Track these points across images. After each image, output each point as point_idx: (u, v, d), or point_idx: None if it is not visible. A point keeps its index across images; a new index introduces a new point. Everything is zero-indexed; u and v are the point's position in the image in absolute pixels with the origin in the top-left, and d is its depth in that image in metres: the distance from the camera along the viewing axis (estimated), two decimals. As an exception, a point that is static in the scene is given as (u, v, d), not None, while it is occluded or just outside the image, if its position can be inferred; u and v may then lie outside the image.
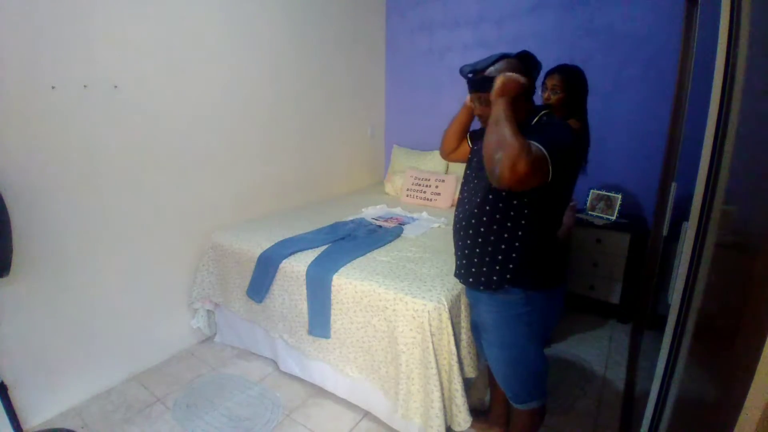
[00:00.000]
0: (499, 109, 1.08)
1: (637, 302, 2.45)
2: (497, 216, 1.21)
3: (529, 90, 1.17)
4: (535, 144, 1.03)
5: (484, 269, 1.26)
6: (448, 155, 1.58)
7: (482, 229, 1.24)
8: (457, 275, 1.39)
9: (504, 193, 1.19)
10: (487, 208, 1.23)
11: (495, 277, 1.24)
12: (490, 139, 1.05)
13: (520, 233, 1.20)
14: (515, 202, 1.19)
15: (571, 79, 1.77)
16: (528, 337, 1.31)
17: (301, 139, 2.94)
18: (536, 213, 1.19)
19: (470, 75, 1.21)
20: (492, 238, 1.23)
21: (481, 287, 1.28)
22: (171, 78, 2.08)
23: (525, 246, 1.21)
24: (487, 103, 1.17)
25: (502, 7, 2.95)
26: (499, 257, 1.23)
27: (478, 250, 1.26)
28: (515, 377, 1.38)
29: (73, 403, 1.92)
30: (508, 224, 1.21)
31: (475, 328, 1.51)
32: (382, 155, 3.86)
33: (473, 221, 1.26)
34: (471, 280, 1.30)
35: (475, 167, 1.33)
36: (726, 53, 0.82)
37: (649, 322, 1.93)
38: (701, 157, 0.88)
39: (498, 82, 1.11)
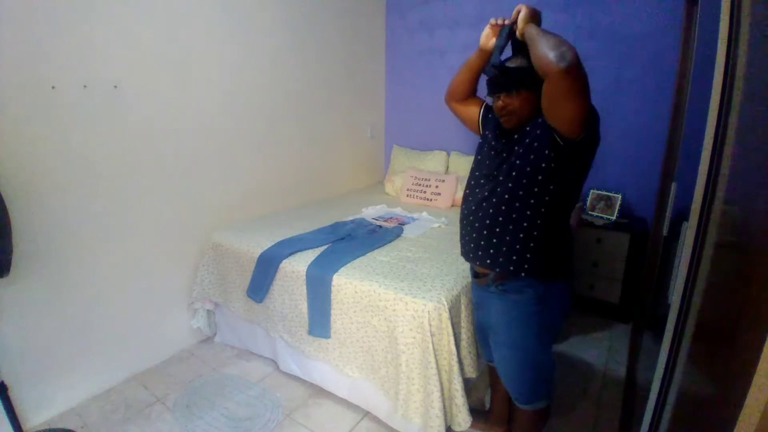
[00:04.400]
0: (536, 28, 1.09)
1: (637, 302, 2.45)
2: (517, 204, 1.20)
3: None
4: None
5: (504, 249, 1.23)
6: (452, 102, 1.53)
7: (502, 215, 1.22)
8: (470, 258, 1.34)
9: (525, 180, 1.18)
10: (506, 196, 1.21)
11: (515, 257, 1.22)
12: (544, 41, 1.03)
13: (539, 221, 1.19)
14: (536, 189, 1.17)
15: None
16: (538, 336, 1.31)
17: (301, 138, 2.94)
18: (555, 202, 1.18)
19: (496, 72, 1.20)
20: (511, 226, 1.21)
21: (498, 269, 1.26)
22: (171, 78, 2.08)
23: (542, 235, 1.20)
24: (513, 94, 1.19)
25: (502, 7, 2.95)
26: (517, 246, 1.21)
27: (498, 230, 1.23)
28: (524, 378, 1.37)
29: (73, 403, 1.92)
30: (528, 212, 1.19)
31: (481, 329, 1.51)
32: (382, 155, 3.86)
33: (494, 202, 1.24)
34: (489, 261, 1.27)
35: (488, 153, 1.31)
36: (726, 53, 0.82)
37: (649, 322, 1.92)
38: (701, 157, 0.88)
39: (522, 12, 1.13)
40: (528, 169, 1.17)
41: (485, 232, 1.26)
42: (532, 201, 1.18)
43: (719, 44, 0.83)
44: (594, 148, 1.16)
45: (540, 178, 1.16)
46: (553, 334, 1.40)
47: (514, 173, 1.20)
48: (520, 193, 1.19)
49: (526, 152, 1.18)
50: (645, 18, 2.51)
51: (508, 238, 1.22)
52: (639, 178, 2.68)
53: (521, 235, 1.20)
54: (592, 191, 2.72)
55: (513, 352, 1.35)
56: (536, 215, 1.19)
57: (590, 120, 1.08)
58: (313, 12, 2.83)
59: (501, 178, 1.23)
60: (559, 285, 1.30)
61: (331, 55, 3.06)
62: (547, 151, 1.14)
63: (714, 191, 0.84)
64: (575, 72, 0.99)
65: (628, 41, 2.57)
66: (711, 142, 0.85)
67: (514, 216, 1.20)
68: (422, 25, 3.37)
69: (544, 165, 1.15)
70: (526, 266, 1.22)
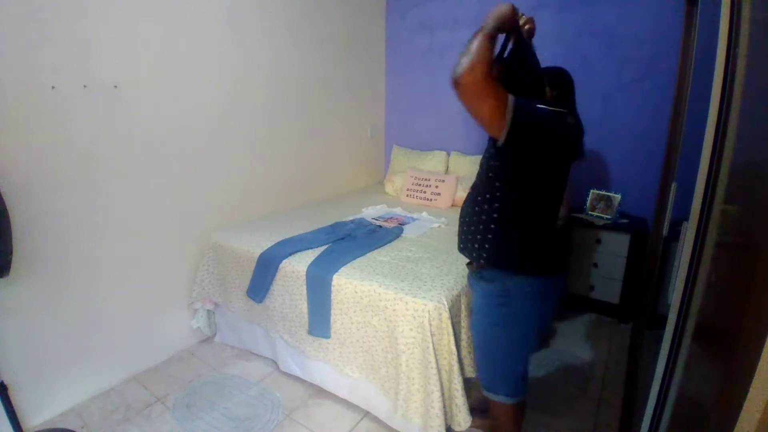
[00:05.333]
0: (483, 29, 1.14)
1: (637, 302, 2.45)
2: (478, 198, 1.30)
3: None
4: (509, 95, 1.09)
5: (470, 244, 1.35)
6: None
7: (470, 207, 1.34)
8: (458, 242, 1.46)
9: (483, 177, 1.28)
10: (473, 190, 1.34)
11: (476, 245, 1.32)
12: (465, 48, 1.09)
13: (495, 215, 1.26)
14: (488, 186, 1.27)
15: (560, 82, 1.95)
16: (500, 329, 1.35)
17: (301, 139, 2.94)
18: (509, 201, 1.24)
19: None
20: (475, 218, 1.31)
21: (465, 253, 1.38)
22: (171, 78, 2.08)
23: (500, 230, 1.26)
24: None
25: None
26: (479, 236, 1.31)
27: (467, 219, 1.36)
28: (483, 363, 1.46)
29: (73, 403, 1.92)
30: (485, 206, 1.28)
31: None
32: (382, 155, 3.86)
33: (469, 194, 1.37)
34: (461, 246, 1.40)
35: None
36: (726, 53, 0.82)
37: (649, 322, 1.93)
38: (701, 157, 0.88)
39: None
40: (484, 166, 1.29)
41: (460, 221, 1.40)
42: (488, 196, 1.27)
43: (719, 44, 0.84)
44: (533, 156, 1.19)
45: (490, 175, 1.26)
46: (532, 335, 1.38)
47: (480, 170, 1.32)
48: (481, 188, 1.30)
49: (486, 151, 1.30)
50: (645, 18, 2.50)
51: (473, 228, 1.33)
52: (639, 178, 2.68)
53: (481, 227, 1.30)
54: (592, 191, 2.71)
55: (476, 334, 1.44)
56: (491, 210, 1.26)
57: (511, 128, 1.09)
58: (313, 12, 2.83)
59: (479, 173, 1.35)
60: (535, 283, 1.29)
61: (331, 55, 3.05)
62: (493, 150, 1.23)
63: (714, 191, 0.84)
64: (461, 85, 1.06)
65: (628, 41, 2.57)
66: (711, 142, 0.85)
67: (476, 209, 1.31)
68: (422, 25, 3.37)
69: (492, 163, 1.25)
70: (484, 255, 1.30)
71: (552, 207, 1.30)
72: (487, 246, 1.29)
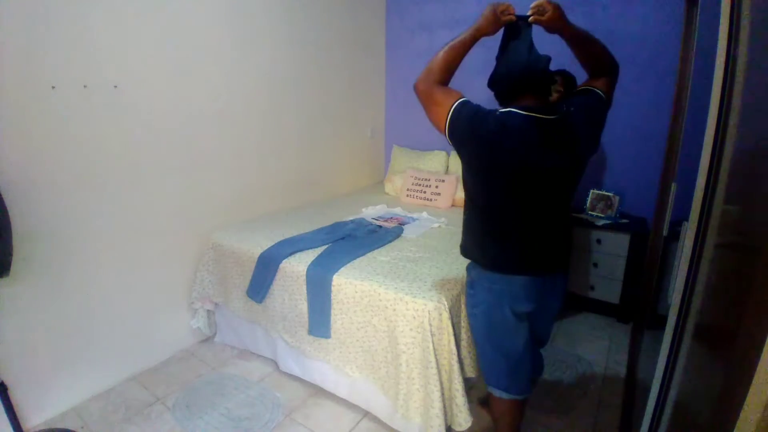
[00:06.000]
0: (465, 32, 1.19)
1: (637, 302, 2.45)
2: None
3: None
4: (458, 98, 1.19)
5: None
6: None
7: None
8: None
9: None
10: None
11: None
12: None
13: (466, 210, 1.35)
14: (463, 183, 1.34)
15: (570, 81, 2.02)
16: (473, 319, 1.41)
17: (301, 139, 2.94)
18: (470, 197, 1.31)
19: None
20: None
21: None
22: (171, 78, 2.08)
23: (464, 222, 1.37)
24: None
25: (502, 7, 2.95)
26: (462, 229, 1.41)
27: None
28: (476, 352, 1.53)
29: (73, 403, 1.92)
30: (465, 200, 1.36)
31: None
32: (382, 155, 3.86)
33: None
34: None
35: None
36: (726, 53, 0.82)
37: (649, 322, 1.93)
38: (701, 157, 0.88)
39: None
40: None
41: None
42: (465, 191, 1.34)
43: (719, 44, 0.84)
44: (464, 158, 1.25)
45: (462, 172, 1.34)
46: (508, 333, 1.34)
47: None
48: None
49: None
50: (645, 18, 2.50)
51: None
52: (639, 178, 2.68)
53: (462, 220, 1.40)
54: (591, 191, 2.71)
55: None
56: (466, 206, 1.35)
57: (448, 132, 1.21)
58: (313, 12, 2.83)
59: None
60: (494, 279, 1.28)
61: (331, 56, 3.05)
62: None
63: (714, 191, 0.84)
64: (416, 91, 1.24)
65: (628, 41, 2.57)
66: (711, 142, 0.85)
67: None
68: (422, 25, 3.36)
69: None
70: (461, 244, 1.40)
71: (516, 215, 1.24)
72: (462, 236, 1.39)
